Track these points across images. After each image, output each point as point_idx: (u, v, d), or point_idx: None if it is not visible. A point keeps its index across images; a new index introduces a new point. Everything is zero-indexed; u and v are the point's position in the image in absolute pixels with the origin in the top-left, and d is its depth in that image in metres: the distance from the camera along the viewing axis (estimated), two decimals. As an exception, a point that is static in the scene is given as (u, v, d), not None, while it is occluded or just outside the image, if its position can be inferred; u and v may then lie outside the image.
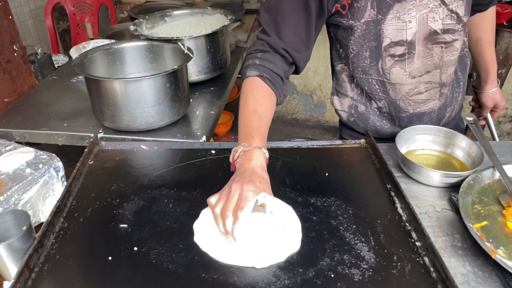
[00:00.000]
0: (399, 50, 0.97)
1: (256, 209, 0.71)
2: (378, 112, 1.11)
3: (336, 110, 1.19)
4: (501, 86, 2.29)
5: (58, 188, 0.93)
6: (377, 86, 1.05)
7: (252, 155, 0.78)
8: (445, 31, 0.96)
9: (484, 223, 0.76)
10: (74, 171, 0.87)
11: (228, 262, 0.68)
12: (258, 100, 0.90)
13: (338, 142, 1.02)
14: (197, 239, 0.73)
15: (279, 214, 0.73)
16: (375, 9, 0.92)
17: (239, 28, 2.09)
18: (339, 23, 0.98)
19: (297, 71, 1.00)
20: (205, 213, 0.79)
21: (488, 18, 1.17)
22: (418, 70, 1.00)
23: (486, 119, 1.30)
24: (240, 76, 1.34)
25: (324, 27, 1.07)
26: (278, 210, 0.73)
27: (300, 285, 0.64)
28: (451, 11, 0.95)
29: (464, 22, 0.99)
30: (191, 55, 1.22)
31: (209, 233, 0.74)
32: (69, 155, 1.14)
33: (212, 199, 0.74)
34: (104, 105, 1.12)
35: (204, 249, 0.71)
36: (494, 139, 1.30)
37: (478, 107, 1.32)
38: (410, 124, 1.06)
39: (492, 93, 1.25)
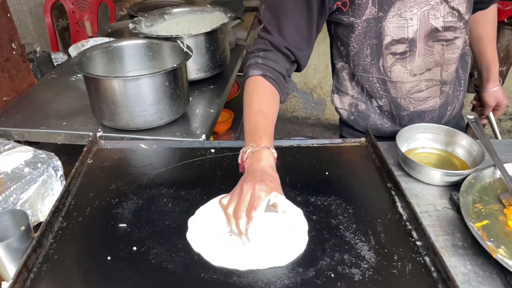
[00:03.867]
0: (400, 48, 0.97)
1: (267, 209, 0.71)
2: (378, 111, 1.10)
3: (336, 109, 1.18)
4: (502, 83, 2.28)
5: (57, 187, 0.92)
6: (377, 84, 1.04)
7: (261, 155, 0.78)
8: (446, 28, 0.96)
9: (485, 222, 0.76)
10: (73, 170, 0.87)
11: (226, 266, 0.68)
12: (263, 99, 0.90)
13: (338, 140, 1.02)
14: (190, 237, 0.73)
15: (290, 214, 0.72)
16: (376, 6, 0.92)
17: (239, 26, 2.08)
18: (340, 20, 0.97)
19: (298, 69, 1.00)
20: (202, 211, 0.79)
21: (489, 16, 1.16)
22: (419, 68, 1.00)
23: (488, 118, 1.30)
24: (240, 74, 1.33)
25: (325, 24, 1.06)
26: (290, 210, 0.72)
27: (300, 285, 0.64)
28: (452, 8, 0.94)
29: (466, 20, 0.98)
30: (190, 53, 1.22)
31: (204, 233, 0.74)
32: (68, 153, 1.14)
33: (224, 200, 0.73)
34: (103, 104, 1.11)
35: (197, 250, 0.71)
36: (496, 137, 1.29)
37: (480, 106, 1.31)
38: (410, 123, 1.06)
39: (494, 91, 1.24)
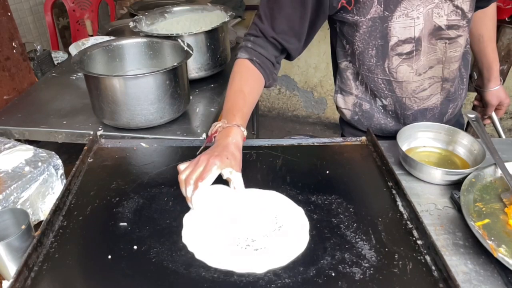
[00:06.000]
0: (407, 48, 0.96)
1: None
2: (382, 110, 1.10)
3: (339, 109, 1.18)
4: (503, 82, 2.28)
5: (57, 186, 0.92)
6: (383, 85, 1.04)
7: (230, 132, 0.83)
8: (450, 27, 0.96)
9: (486, 221, 0.76)
10: (74, 169, 0.86)
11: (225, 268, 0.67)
12: (244, 81, 0.95)
13: (339, 139, 1.01)
14: (185, 238, 0.73)
15: (241, 191, 0.78)
16: (382, 5, 0.91)
17: (239, 25, 2.08)
18: (345, 19, 0.97)
19: (289, 58, 1.03)
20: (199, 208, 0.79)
21: (489, 14, 1.16)
22: (423, 67, 1.00)
23: (491, 117, 1.29)
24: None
25: (327, 23, 1.06)
26: (241, 186, 0.78)
27: (301, 284, 0.64)
28: (456, 6, 0.94)
29: (469, 18, 0.98)
30: (191, 52, 1.22)
31: (199, 233, 0.74)
32: (68, 152, 1.14)
33: (182, 166, 0.79)
34: (104, 103, 1.11)
35: (191, 250, 0.70)
36: (500, 136, 1.28)
37: (482, 106, 1.30)
38: (414, 121, 1.05)
39: (496, 90, 1.24)
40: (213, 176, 0.75)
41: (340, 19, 0.98)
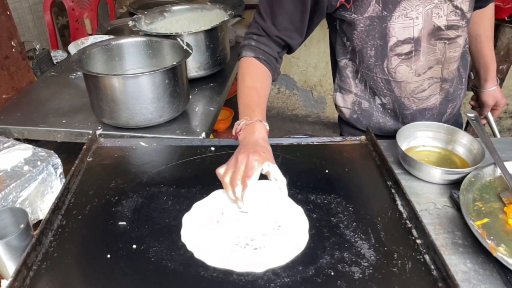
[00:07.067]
0: (406, 48, 0.96)
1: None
2: (381, 109, 1.10)
3: (338, 107, 1.18)
4: (502, 81, 2.28)
5: (56, 185, 0.92)
6: (381, 84, 1.04)
7: (255, 128, 0.83)
8: (449, 27, 0.96)
9: (485, 220, 0.76)
10: (73, 168, 0.86)
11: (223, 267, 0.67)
12: (255, 77, 0.96)
13: (339, 138, 1.01)
14: (185, 237, 0.73)
15: (281, 181, 0.77)
16: (380, 4, 0.91)
17: (239, 24, 2.08)
18: (343, 17, 0.97)
19: (289, 52, 1.05)
20: (198, 206, 0.79)
21: (487, 15, 1.16)
22: (423, 67, 1.00)
23: (487, 117, 1.29)
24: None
25: (325, 22, 1.06)
26: (281, 177, 0.77)
27: (300, 283, 0.64)
28: (456, 7, 0.94)
29: (468, 18, 0.98)
30: (190, 51, 1.22)
31: (198, 232, 0.74)
32: (67, 151, 1.14)
33: (221, 170, 0.78)
34: (103, 102, 1.11)
35: (190, 249, 0.70)
36: (495, 136, 1.29)
37: (478, 106, 1.31)
38: (413, 121, 1.05)
39: (492, 91, 1.24)
40: (258, 172, 0.74)
41: (338, 17, 0.98)
